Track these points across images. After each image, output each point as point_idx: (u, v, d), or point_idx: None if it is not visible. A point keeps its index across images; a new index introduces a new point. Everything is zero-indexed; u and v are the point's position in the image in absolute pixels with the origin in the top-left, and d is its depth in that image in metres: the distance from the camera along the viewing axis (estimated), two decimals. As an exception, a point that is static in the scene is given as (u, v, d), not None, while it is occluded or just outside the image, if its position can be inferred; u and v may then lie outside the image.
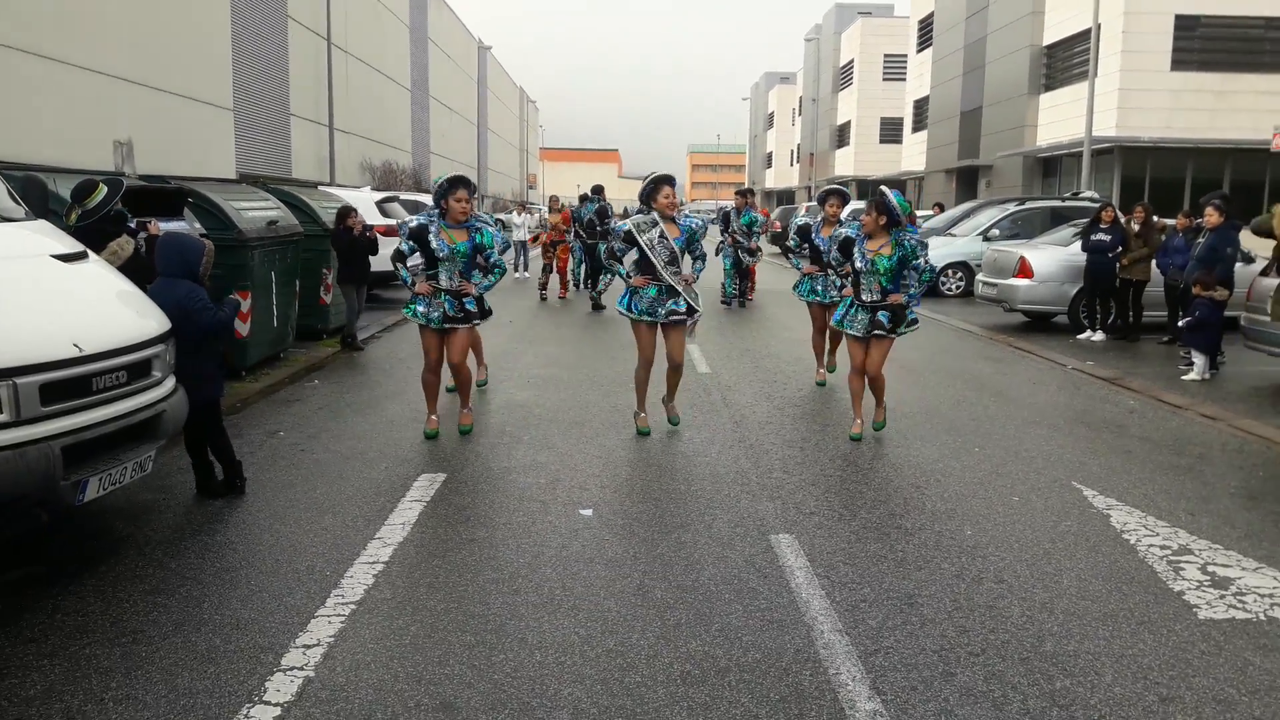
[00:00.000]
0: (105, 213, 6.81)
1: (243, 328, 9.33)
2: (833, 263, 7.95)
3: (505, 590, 4.57)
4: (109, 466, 4.68)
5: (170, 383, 5.31)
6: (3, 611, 4.24)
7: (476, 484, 6.31)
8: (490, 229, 7.20)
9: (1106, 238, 12.82)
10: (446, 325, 7.16)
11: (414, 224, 7.10)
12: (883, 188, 7.43)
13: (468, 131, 61.65)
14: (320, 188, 19.16)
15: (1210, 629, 4.27)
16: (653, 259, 7.18)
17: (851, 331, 7.40)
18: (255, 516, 5.59)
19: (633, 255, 7.36)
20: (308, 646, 3.96)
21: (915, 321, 7.44)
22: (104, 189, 6.63)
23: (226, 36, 22.76)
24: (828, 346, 9.69)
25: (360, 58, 36.01)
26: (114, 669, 3.76)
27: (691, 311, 7.31)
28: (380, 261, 16.17)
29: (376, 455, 6.93)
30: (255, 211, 10.13)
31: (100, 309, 5.03)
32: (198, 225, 8.94)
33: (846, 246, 7.40)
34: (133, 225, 6.99)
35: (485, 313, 7.36)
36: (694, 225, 7.35)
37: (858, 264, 7.26)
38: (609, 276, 16.60)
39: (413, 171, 41.27)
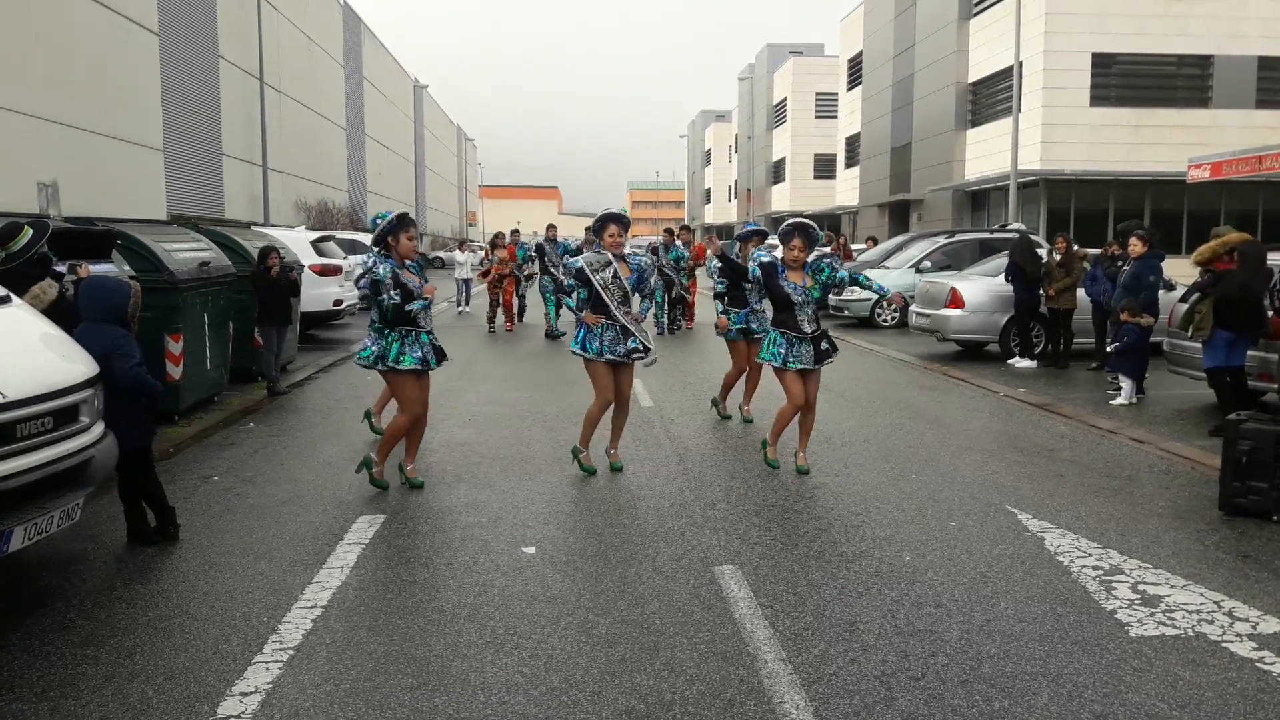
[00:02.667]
0: (29, 256, 6.65)
1: (175, 371, 9.15)
2: (752, 281, 7.73)
3: (447, 631, 4.52)
4: (35, 515, 4.54)
5: (99, 428, 5.19)
6: (-80, 670, 4.08)
7: (416, 524, 6.23)
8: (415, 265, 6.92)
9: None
10: (419, 368, 6.80)
11: (381, 272, 6.56)
12: (798, 220, 7.42)
13: (405, 169, 61.45)
14: (254, 227, 18.90)
15: (1141, 646, 4.38)
16: (605, 299, 7.12)
17: (801, 365, 7.26)
18: (189, 563, 5.45)
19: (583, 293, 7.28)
20: (244, 694, 3.87)
21: (836, 348, 7.62)
22: (29, 231, 6.48)
23: (156, 76, 22.46)
24: (743, 388, 9.61)
25: (294, 97, 35.77)
26: (40, 726, 3.63)
27: (646, 350, 7.29)
28: (316, 301, 16.20)
29: (314, 498, 6.81)
30: (187, 253, 9.97)
31: (24, 354, 4.90)
32: (126, 267, 8.76)
33: (769, 272, 7.30)
34: (60, 268, 6.83)
35: (441, 354, 7.02)
36: (644, 264, 7.34)
37: (795, 297, 7.23)
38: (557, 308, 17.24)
39: (349, 210, 40.96)
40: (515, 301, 19.48)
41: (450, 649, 4.31)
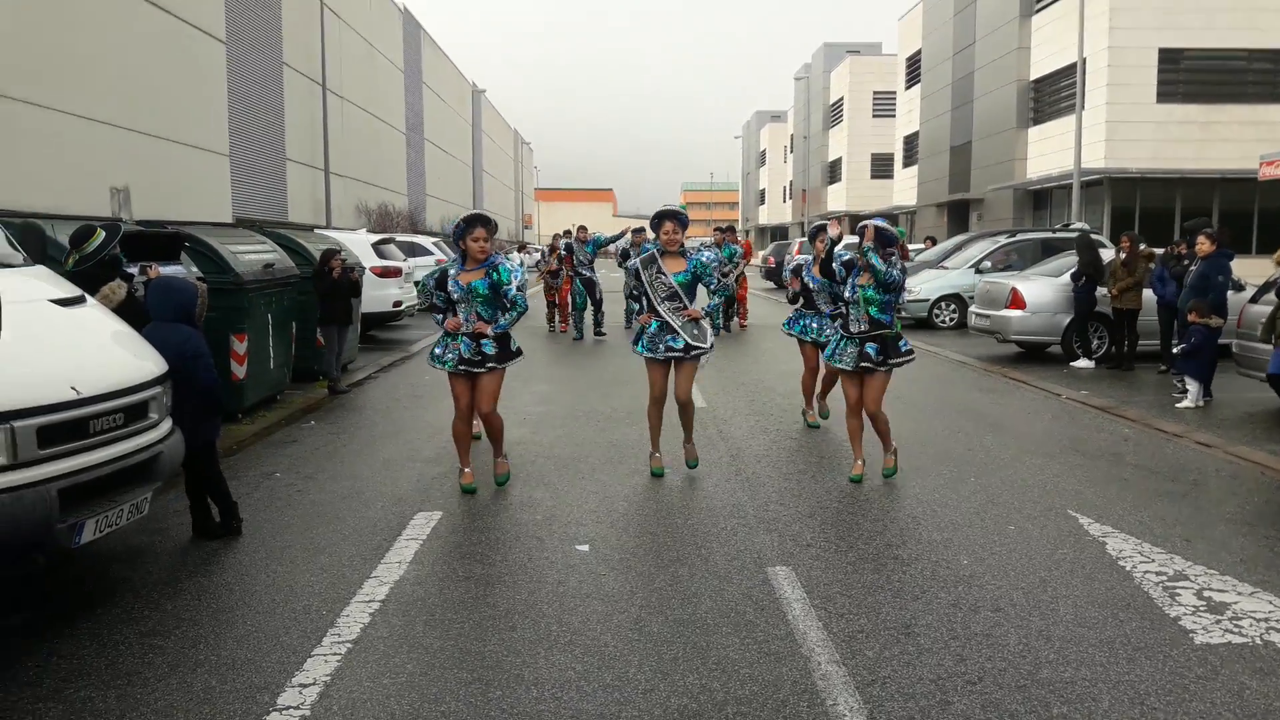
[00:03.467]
0: (101, 257, 6.87)
1: (239, 370, 9.37)
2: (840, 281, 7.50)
3: (502, 627, 4.57)
4: (106, 509, 4.69)
5: (167, 425, 5.34)
6: (1, 657, 4.24)
7: (472, 522, 6.31)
8: (507, 265, 6.84)
9: (1077, 268, 13.23)
10: (462, 369, 6.79)
11: (437, 273, 6.90)
12: (868, 221, 7.22)
13: (463, 173, 62.16)
14: (316, 230, 19.29)
15: (1207, 654, 4.27)
16: (650, 296, 7.14)
17: (841, 365, 7.23)
18: (251, 558, 5.58)
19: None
20: (304, 686, 3.96)
21: (910, 353, 7.19)
22: (101, 234, 6.69)
23: (222, 83, 23.00)
24: (818, 389, 9.32)
25: (355, 102, 36.40)
26: (109, 712, 3.75)
27: (688, 349, 7.07)
28: (377, 302, 16.47)
29: (373, 495, 6.93)
30: (251, 255, 10.21)
31: (97, 352, 5.07)
32: (194, 269, 9.00)
33: (847, 267, 7.20)
34: (130, 270, 7.04)
35: (509, 355, 6.88)
36: (703, 259, 7.12)
37: (847, 294, 7.16)
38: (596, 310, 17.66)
39: (408, 213, 41.54)
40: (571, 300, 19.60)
41: (504, 645, 4.36)
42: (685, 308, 7.13)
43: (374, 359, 14.37)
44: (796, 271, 9.06)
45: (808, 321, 8.99)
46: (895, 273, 6.98)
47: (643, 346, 7.22)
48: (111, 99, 17.37)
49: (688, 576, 5.23)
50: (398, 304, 17.43)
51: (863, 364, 7.13)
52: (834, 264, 7.28)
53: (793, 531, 6.01)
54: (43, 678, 4.05)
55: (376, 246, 18.18)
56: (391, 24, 44.13)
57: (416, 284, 20.57)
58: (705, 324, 7.22)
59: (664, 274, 7.08)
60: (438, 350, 6.92)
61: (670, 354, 7.12)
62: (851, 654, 4.25)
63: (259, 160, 27.47)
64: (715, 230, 19.02)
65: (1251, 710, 3.77)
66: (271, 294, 10.28)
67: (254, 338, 9.67)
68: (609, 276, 24.14)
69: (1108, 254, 14.02)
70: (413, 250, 22.25)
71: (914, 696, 3.87)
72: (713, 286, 7.18)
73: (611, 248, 19.78)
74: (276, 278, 10.41)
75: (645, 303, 7.22)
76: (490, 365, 6.81)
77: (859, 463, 7.31)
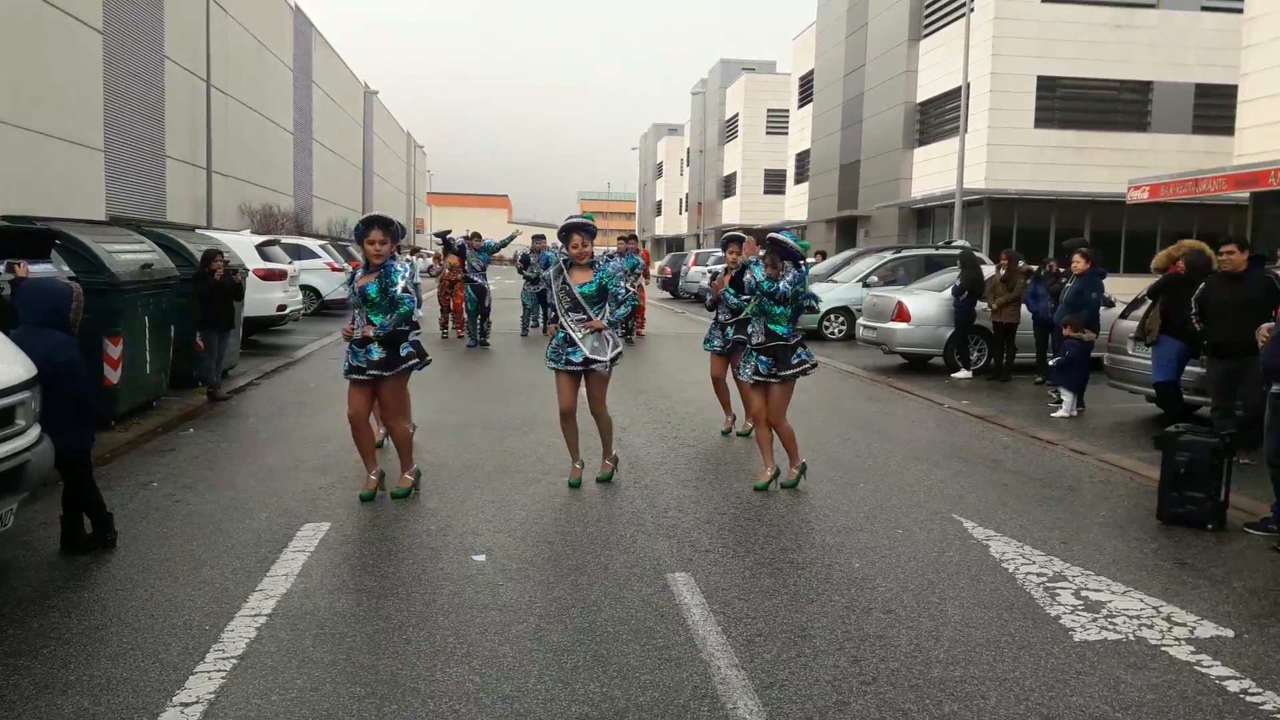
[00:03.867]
0: (-38, 254, 6.47)
1: (113, 375, 8.92)
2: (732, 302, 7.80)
3: (396, 640, 4.44)
4: (-35, 520, 4.38)
5: (35, 432, 5.03)
6: None
7: (363, 533, 6.14)
8: (399, 268, 6.60)
9: (959, 283, 13.85)
10: (353, 376, 6.65)
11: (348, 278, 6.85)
12: (772, 234, 7.27)
13: (353, 175, 60.79)
14: (197, 231, 18.56)
15: (1085, 650, 4.45)
16: (556, 306, 7.10)
17: (742, 377, 7.37)
18: (127, 571, 5.30)
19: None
20: (185, 705, 3.77)
21: (803, 364, 7.18)
22: (-38, 228, 6.28)
23: (99, 75, 21.96)
24: (721, 399, 9.48)
25: (241, 100, 35.21)
26: (-32, 737, 3.50)
27: (586, 362, 6.97)
28: (260, 305, 15.92)
29: (256, 505, 6.67)
30: (128, 254, 9.74)
31: (-43, 353, 4.74)
32: (66, 268, 8.53)
33: (738, 278, 7.29)
34: (-4, 267, 6.64)
35: (398, 360, 6.61)
36: (609, 269, 7.11)
37: (744, 306, 7.29)
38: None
39: (294, 215, 40.37)
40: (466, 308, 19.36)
41: (399, 658, 4.24)
42: (589, 319, 7.02)
43: (256, 364, 13.88)
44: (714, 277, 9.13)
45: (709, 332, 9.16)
46: (783, 286, 6.97)
47: (549, 355, 7.17)
48: (-25, 87, 16.38)
49: (587, 585, 5.19)
50: (282, 308, 16.88)
51: (755, 376, 7.23)
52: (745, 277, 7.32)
53: (691, 538, 6.04)
54: (-109, 703, 3.75)
55: (261, 248, 17.59)
56: (282, 21, 42.89)
57: (303, 288, 20.04)
58: (609, 335, 7.10)
59: (568, 284, 7.01)
60: (345, 364, 6.75)
61: (570, 367, 7.06)
62: (750, 657, 4.29)
63: (136, 157, 26.28)
64: (620, 240, 19.12)
65: (1126, 702, 3.94)
66: (149, 296, 9.83)
67: (130, 341, 9.23)
68: (503, 284, 23.96)
69: (988, 270, 14.59)
70: (298, 253, 21.62)
71: (811, 698, 3.92)
72: (620, 296, 7.12)
73: (506, 253, 19.72)
74: (154, 279, 9.96)
75: (555, 313, 7.17)
76: (374, 374, 6.59)
77: (765, 470, 7.32)
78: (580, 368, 7.05)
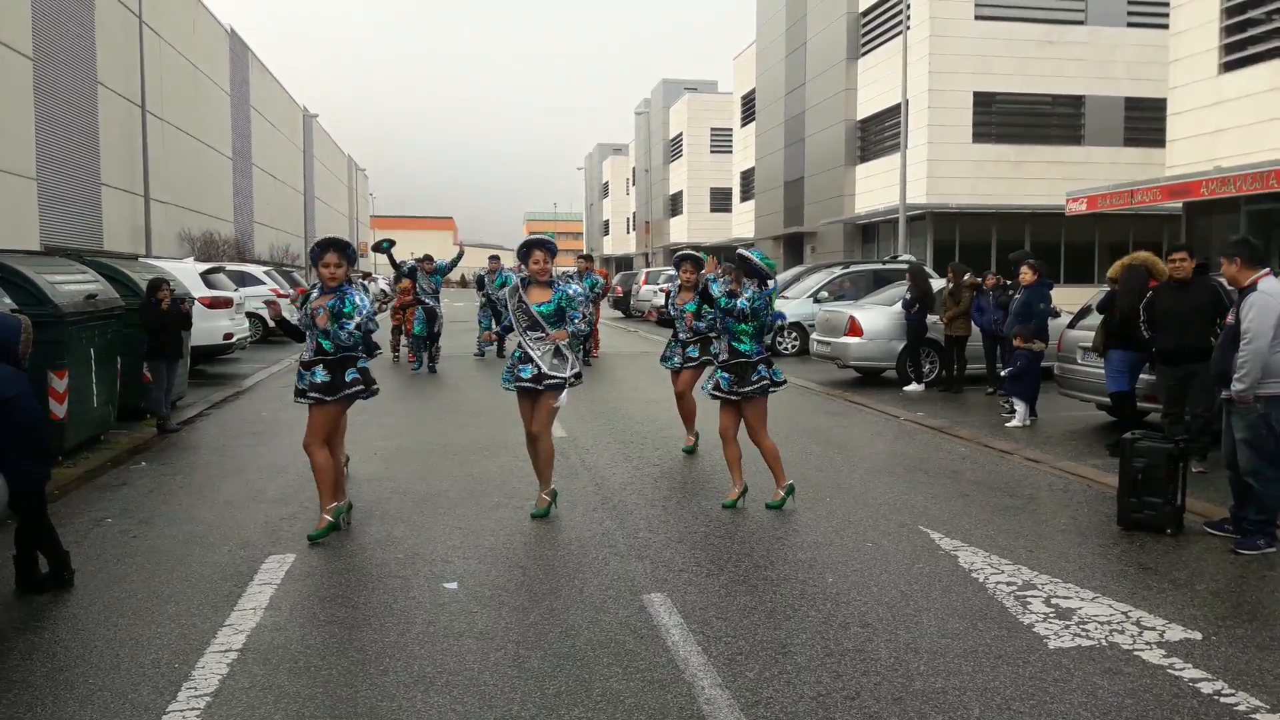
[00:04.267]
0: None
1: (59, 409, 8.66)
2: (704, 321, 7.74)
3: (373, 670, 4.36)
4: (-83, 564, 4.21)
5: (-13, 469, 4.86)
6: None
7: (329, 564, 6.02)
8: (357, 301, 6.41)
9: (908, 297, 13.90)
10: (298, 400, 6.54)
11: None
12: (741, 250, 7.27)
13: (294, 200, 59.99)
14: (141, 259, 18.15)
15: (1060, 658, 4.52)
16: (513, 325, 6.95)
17: (703, 389, 7.37)
18: (88, 610, 5.13)
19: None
20: (159, 748, 3.65)
21: (763, 380, 7.12)
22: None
23: (29, 102, 21.45)
24: (685, 416, 9.43)
25: (178, 125, 34.61)
26: (-69, 792, 3.35)
27: (539, 379, 6.77)
28: (206, 334, 15.60)
29: (217, 539, 6.51)
30: (71, 285, 9.49)
31: (-94, 390, 4.57)
32: (8, 300, 8.28)
33: (705, 296, 7.26)
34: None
35: (340, 385, 6.41)
36: (570, 292, 6.84)
37: (704, 325, 7.25)
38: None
39: (235, 241, 39.70)
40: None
41: (378, 689, 4.16)
42: (545, 338, 6.82)
43: (205, 394, 13.59)
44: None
45: (669, 350, 9.15)
46: (740, 303, 6.96)
47: (504, 376, 7.04)
48: (-98, 115, 15.89)
49: (563, 609, 5.15)
50: (229, 336, 16.59)
51: (715, 392, 7.23)
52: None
53: (664, 558, 6.02)
54: None
55: (205, 276, 17.29)
56: (217, 44, 42.30)
57: (249, 316, 19.67)
58: (568, 353, 6.89)
59: (525, 302, 6.83)
60: (301, 385, 6.56)
61: (520, 384, 6.84)
62: (733, 676, 4.28)
63: (70, 185, 25.65)
64: (578, 259, 19.09)
65: (1105, 708, 4.00)
66: (94, 327, 9.58)
67: (75, 374, 8.97)
68: (452, 306, 23.77)
69: (937, 284, 14.85)
70: (243, 280, 21.28)
71: (797, 715, 3.92)
72: (577, 320, 6.86)
73: (454, 274, 19.59)
74: (99, 310, 9.71)
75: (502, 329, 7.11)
76: (315, 396, 6.41)
77: (734, 489, 7.30)
78: (530, 384, 6.80)
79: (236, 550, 6.23)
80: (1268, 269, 6.29)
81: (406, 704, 4.02)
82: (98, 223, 27.58)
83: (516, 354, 6.95)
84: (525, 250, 6.94)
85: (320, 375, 6.44)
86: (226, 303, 16.79)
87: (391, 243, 12.87)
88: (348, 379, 6.48)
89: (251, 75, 48.40)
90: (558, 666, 4.40)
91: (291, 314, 6.95)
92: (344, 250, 6.54)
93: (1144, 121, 28.60)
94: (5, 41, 19.84)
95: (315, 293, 6.57)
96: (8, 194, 19.96)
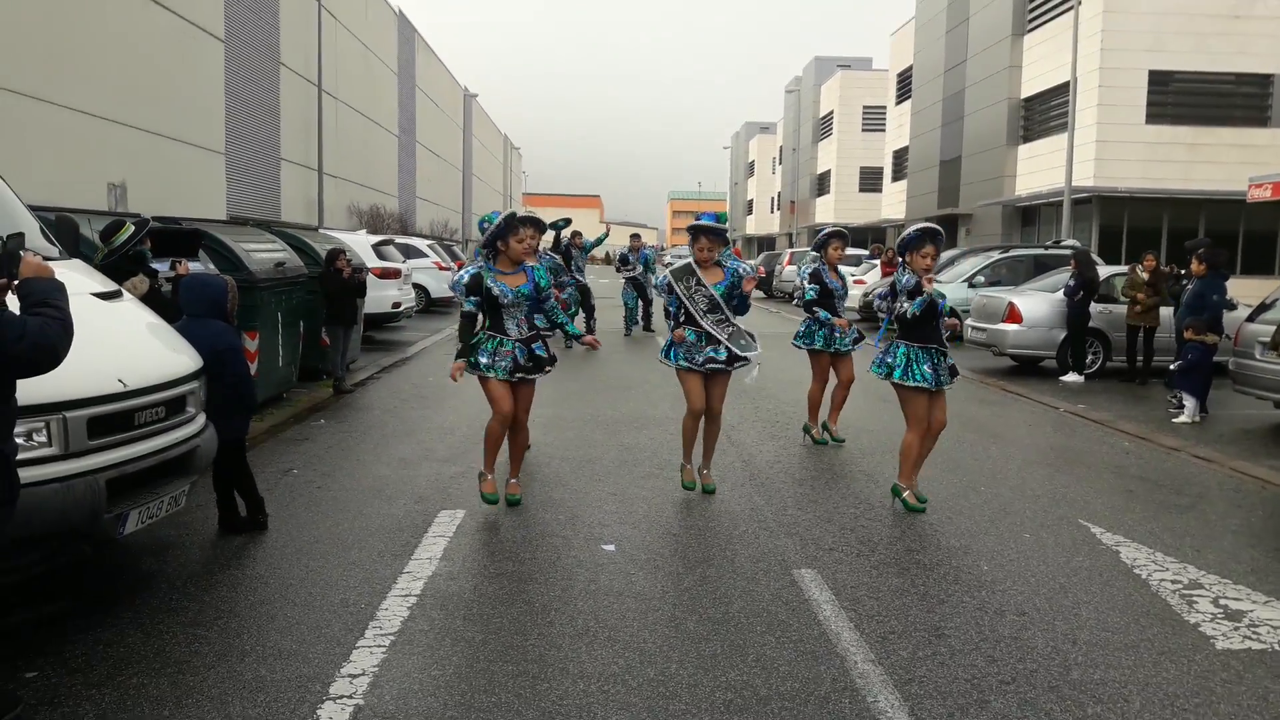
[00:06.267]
0: (127, 251, 6.93)
1: (250, 367, 9.38)
2: (883, 311, 7.05)
3: (540, 622, 4.64)
4: (148, 500, 4.74)
5: (202, 419, 5.39)
6: (46, 643, 4.28)
7: (497, 520, 6.38)
8: (541, 267, 6.67)
9: (1072, 283, 13.39)
10: (516, 377, 6.44)
11: (466, 278, 6.46)
12: (934, 225, 6.92)
13: (453, 176, 62.14)
14: (320, 230, 19.30)
15: (1229, 659, 4.40)
16: (691, 309, 6.89)
17: (928, 385, 6.63)
18: (282, 551, 5.63)
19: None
20: (353, 676, 4.02)
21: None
22: (130, 228, 6.74)
23: (220, 81, 23.00)
24: (830, 407, 9.04)
25: (350, 104, 36.39)
26: (164, 698, 3.81)
27: (733, 360, 6.83)
28: (376, 303, 16.48)
29: (394, 492, 6.99)
30: (263, 253, 10.25)
31: (139, 346, 5.12)
32: (211, 266, 9.03)
33: (915, 292, 6.68)
34: (157, 266, 7.09)
35: (553, 359, 6.69)
36: (741, 270, 6.88)
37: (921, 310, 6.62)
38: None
39: (399, 216, 41.50)
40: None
41: (545, 639, 4.44)
42: (727, 319, 6.88)
43: (374, 359, 14.40)
44: (815, 278, 8.85)
45: (830, 332, 8.80)
46: (942, 303, 6.76)
47: (678, 357, 6.93)
48: (111, 94, 17.35)
49: (716, 577, 5.32)
50: (397, 305, 17.48)
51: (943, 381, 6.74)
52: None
53: (813, 536, 6.12)
54: (91, 664, 4.10)
55: (376, 248, 18.23)
56: (387, 26, 44.14)
57: (414, 286, 20.57)
58: (748, 333, 6.92)
59: (704, 285, 6.85)
60: (484, 360, 6.44)
61: (712, 365, 6.85)
62: (886, 654, 4.36)
63: (254, 159, 27.42)
64: (631, 237, 19.73)
65: (1277, 712, 3.89)
66: (281, 292, 10.32)
67: (265, 336, 9.71)
68: (597, 283, 24.23)
69: (1104, 271, 14.25)
70: (409, 252, 22.30)
71: (951, 695, 3.98)
72: (734, 304, 6.91)
73: (598, 252, 20.03)
74: (287, 276, 10.45)
75: (683, 316, 6.96)
76: (547, 369, 6.59)
77: (907, 488, 6.85)
78: (723, 366, 6.85)
79: (411, 504, 6.67)
80: None
81: (572, 654, 4.28)
82: (276, 195, 29.38)
83: (691, 335, 6.87)
84: (694, 236, 6.97)
85: (540, 349, 6.56)
86: (396, 273, 17.70)
87: (568, 221, 13.36)
88: (553, 353, 6.70)
89: (417, 56, 50.30)
90: (713, 630, 4.58)
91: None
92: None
93: (1343, 101, 26.44)
94: (201, 25, 21.33)
95: (468, 273, 6.49)
96: (200, 167, 21.52)
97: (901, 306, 6.77)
